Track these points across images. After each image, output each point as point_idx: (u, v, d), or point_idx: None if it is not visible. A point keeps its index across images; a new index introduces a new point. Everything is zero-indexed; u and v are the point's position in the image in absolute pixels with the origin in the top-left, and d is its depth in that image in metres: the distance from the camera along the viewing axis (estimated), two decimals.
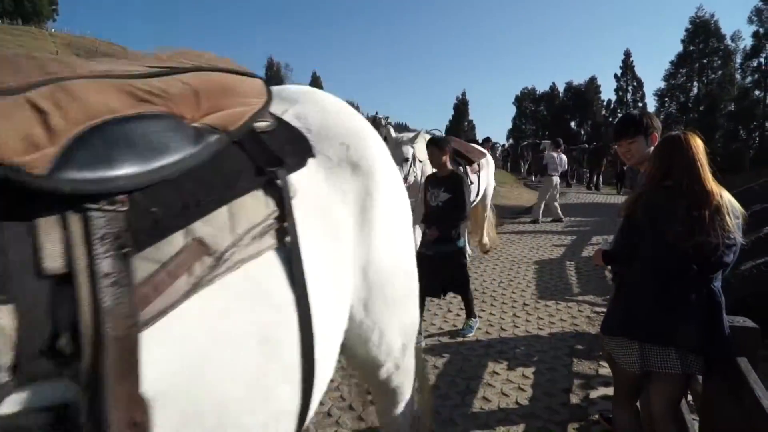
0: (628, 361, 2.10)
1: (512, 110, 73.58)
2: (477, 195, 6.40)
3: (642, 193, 2.15)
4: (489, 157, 7.26)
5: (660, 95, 54.86)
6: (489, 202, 7.16)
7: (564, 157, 11.52)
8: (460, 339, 4.24)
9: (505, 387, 3.38)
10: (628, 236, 2.19)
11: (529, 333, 4.40)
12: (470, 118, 76.88)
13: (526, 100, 71.78)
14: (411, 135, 5.69)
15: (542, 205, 10.95)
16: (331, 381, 3.24)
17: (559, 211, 11.02)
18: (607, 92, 68.08)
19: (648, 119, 2.50)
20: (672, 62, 54.43)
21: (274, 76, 78.59)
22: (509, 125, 72.13)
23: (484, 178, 6.81)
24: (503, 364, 3.73)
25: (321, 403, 3.08)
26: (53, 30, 65.65)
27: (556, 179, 11.05)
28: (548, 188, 11.08)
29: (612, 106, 62.98)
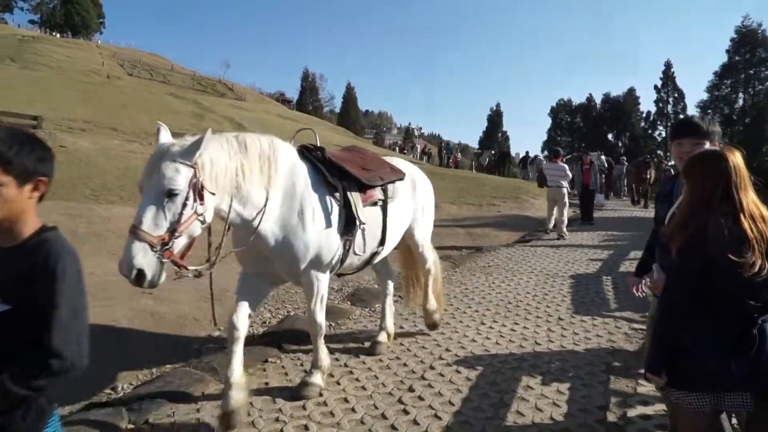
0: (698, 403, 1.92)
1: (547, 122, 72.66)
2: (383, 234, 3.65)
3: (696, 218, 1.89)
4: (416, 176, 4.26)
5: (703, 107, 53.23)
6: (426, 244, 4.42)
7: (566, 166, 10.78)
8: (493, 352, 4.20)
9: (540, 402, 3.34)
10: (691, 274, 1.87)
11: (564, 348, 4.33)
12: (504, 129, 76.28)
13: (561, 112, 70.75)
14: (189, 140, 2.57)
15: (560, 217, 10.41)
16: (331, 376, 3.34)
17: (564, 227, 10.37)
18: (647, 104, 66.44)
19: (714, 125, 2.49)
20: (716, 73, 52.84)
21: (309, 86, 79.78)
22: (544, 137, 71.12)
23: (404, 208, 3.98)
24: (537, 379, 3.68)
25: (324, 403, 3.13)
26: (100, 42, 68.43)
27: (560, 191, 10.38)
28: (554, 199, 10.53)
29: (651, 117, 61.44)
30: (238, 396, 2.88)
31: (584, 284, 6.54)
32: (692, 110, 55.44)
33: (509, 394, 3.44)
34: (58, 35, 65.40)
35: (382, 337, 4.23)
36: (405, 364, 3.89)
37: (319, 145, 3.43)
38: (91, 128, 16.57)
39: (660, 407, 3.20)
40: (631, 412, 3.23)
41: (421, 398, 3.35)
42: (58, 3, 76.55)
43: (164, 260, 2.39)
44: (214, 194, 2.61)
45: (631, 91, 63.18)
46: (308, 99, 78.12)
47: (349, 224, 3.27)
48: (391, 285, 4.42)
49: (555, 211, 10.54)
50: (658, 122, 60.10)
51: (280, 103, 65.74)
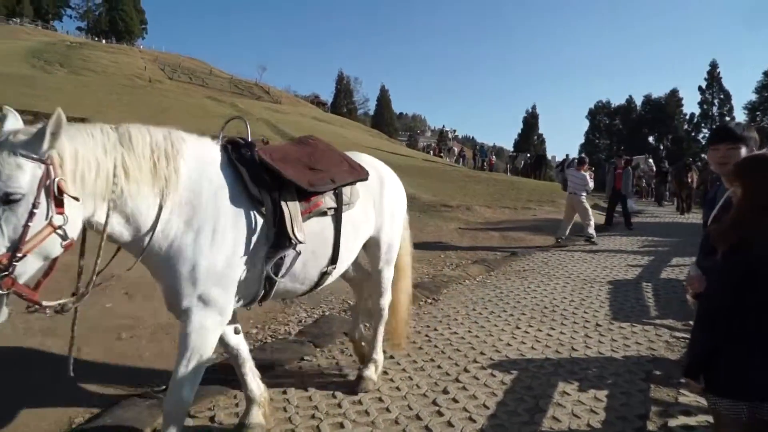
0: (734, 409, 1.87)
1: (584, 124, 71.19)
2: (335, 251, 2.84)
3: (747, 222, 1.84)
4: (384, 175, 3.39)
5: (751, 108, 51.18)
6: (386, 264, 3.46)
7: (587, 176, 10.50)
8: (528, 356, 4.16)
9: (576, 408, 3.28)
10: (733, 278, 1.82)
11: (601, 354, 4.24)
12: (540, 131, 75.11)
13: (600, 114, 69.20)
14: (32, 129, 1.89)
15: (569, 226, 10.18)
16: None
17: (590, 230, 10.18)
18: (690, 105, 64.18)
19: (750, 131, 2.47)
20: (766, 73, 50.66)
21: (343, 88, 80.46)
22: (581, 139, 69.72)
23: (366, 216, 3.13)
24: (574, 385, 3.62)
25: (359, 402, 3.15)
26: (142, 47, 70.81)
27: (577, 198, 10.18)
28: (572, 206, 10.32)
29: (695, 120, 59.43)
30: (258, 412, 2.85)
31: (623, 290, 6.38)
32: (739, 112, 53.47)
33: (545, 400, 3.40)
34: (104, 41, 68.04)
35: (369, 371, 3.46)
36: (439, 366, 3.89)
37: (249, 139, 2.59)
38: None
39: (703, 418, 3.11)
40: (673, 422, 3.15)
41: (455, 400, 3.35)
42: (103, 10, 79.70)
43: (1, 291, 1.76)
44: (78, 200, 1.90)
45: (673, 93, 61.39)
46: (343, 101, 78.85)
47: (280, 243, 2.44)
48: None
49: (573, 218, 10.37)
50: (703, 124, 58.14)
51: (315, 105, 66.52)
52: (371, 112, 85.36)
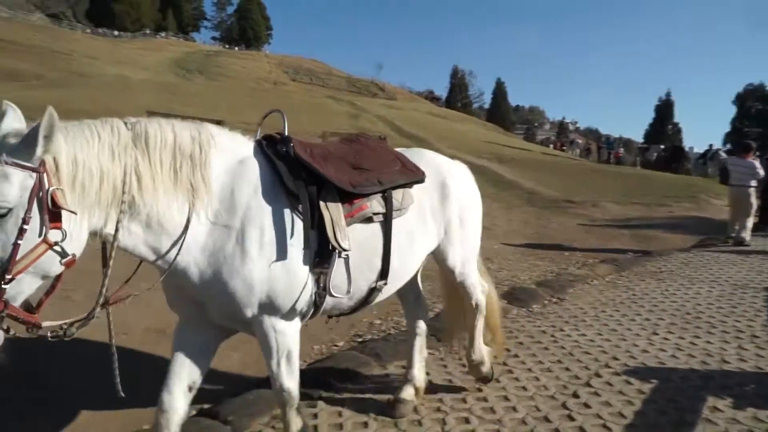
0: None
1: (730, 111, 63.47)
2: (385, 263, 2.44)
3: None
4: (447, 175, 2.86)
5: None
6: (467, 270, 3.07)
7: (756, 163, 9.09)
8: (669, 365, 3.80)
9: (732, 427, 2.93)
10: None
11: (761, 370, 3.75)
12: (675, 120, 68.38)
13: (750, 99, 61.25)
14: (25, 131, 1.62)
15: (743, 223, 8.88)
16: None
17: (744, 234, 8.82)
18: None
19: None
20: None
21: (458, 83, 79.77)
22: (726, 128, 62.31)
23: (424, 222, 2.70)
24: (727, 401, 3.24)
25: (485, 399, 3.05)
26: (268, 52, 76.06)
27: (745, 191, 8.91)
28: (738, 201, 9.05)
29: None
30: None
31: None
32: None
33: (692, 414, 3.08)
34: (235, 48, 74.14)
35: (407, 392, 3.06)
36: (567, 369, 3.70)
37: (286, 134, 2.32)
38: (265, 130, 18.44)
39: None
40: None
41: (587, 405, 3.16)
42: (234, 20, 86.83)
43: None
44: (76, 213, 1.65)
45: None
46: (457, 96, 78.32)
47: (322, 250, 2.15)
48: (422, 324, 3.18)
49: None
50: None
51: (430, 101, 66.72)
52: (487, 106, 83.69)
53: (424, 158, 2.82)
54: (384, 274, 2.42)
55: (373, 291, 2.45)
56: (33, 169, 1.56)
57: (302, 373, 3.45)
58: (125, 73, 40.08)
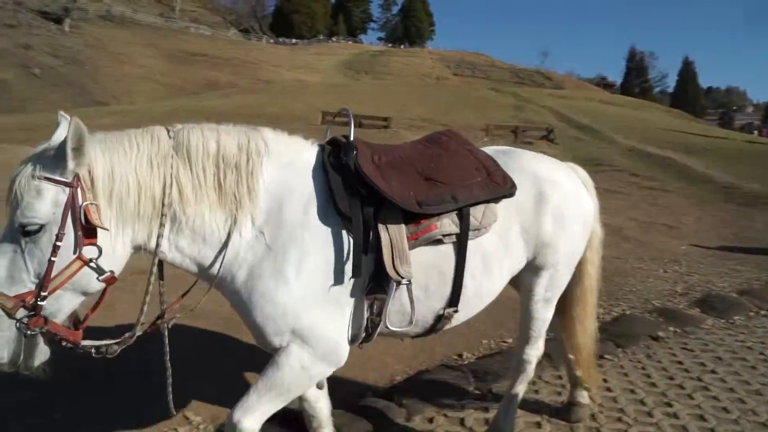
0: None
1: None
2: (455, 289, 2.06)
3: None
4: (547, 185, 2.29)
5: None
6: (552, 296, 2.52)
7: None
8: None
9: None
10: None
11: None
12: None
13: None
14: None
15: None
16: (682, 388, 2.96)
17: None
18: None
19: None
20: None
21: (636, 66, 72.48)
22: None
23: (509, 242, 2.20)
24: None
25: (675, 415, 2.70)
26: (430, 48, 77.37)
27: None
28: None
29: None
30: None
31: None
32: None
33: None
34: (402, 47, 76.84)
35: (583, 396, 2.86)
36: None
37: (352, 138, 2.00)
38: (427, 125, 18.92)
39: None
40: None
41: None
42: (398, 19, 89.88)
43: (30, 331, 1.52)
44: (108, 230, 1.59)
45: None
46: (634, 81, 71.23)
47: (378, 277, 1.87)
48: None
49: None
50: None
51: (601, 87, 61.88)
52: (670, 90, 74.71)
53: (518, 162, 2.32)
54: (454, 301, 2.07)
55: (441, 318, 2.11)
56: (66, 184, 1.53)
57: (472, 365, 3.52)
58: (301, 77, 44.20)
